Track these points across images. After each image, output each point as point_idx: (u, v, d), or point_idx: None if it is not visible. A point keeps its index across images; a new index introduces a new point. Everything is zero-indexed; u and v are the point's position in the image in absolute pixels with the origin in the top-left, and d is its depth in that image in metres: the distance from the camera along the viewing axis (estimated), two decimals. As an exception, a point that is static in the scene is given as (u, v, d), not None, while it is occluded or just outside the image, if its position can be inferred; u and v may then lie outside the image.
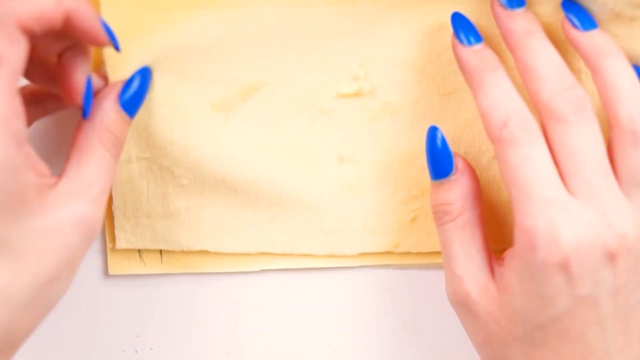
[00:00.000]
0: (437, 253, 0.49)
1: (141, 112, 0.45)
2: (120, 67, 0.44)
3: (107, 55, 0.43)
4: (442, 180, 0.44)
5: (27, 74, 0.42)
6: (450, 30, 0.45)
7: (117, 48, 0.42)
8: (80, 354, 0.49)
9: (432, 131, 0.45)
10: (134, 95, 0.43)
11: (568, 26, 0.43)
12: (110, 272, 0.48)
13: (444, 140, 0.44)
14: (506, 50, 0.44)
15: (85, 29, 0.38)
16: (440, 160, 0.44)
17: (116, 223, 0.47)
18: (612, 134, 0.42)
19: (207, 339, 0.49)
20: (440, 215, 0.44)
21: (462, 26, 0.44)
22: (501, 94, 0.41)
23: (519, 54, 0.42)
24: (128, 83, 0.43)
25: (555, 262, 0.39)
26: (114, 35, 0.41)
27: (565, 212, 0.39)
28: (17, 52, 0.35)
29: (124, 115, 0.42)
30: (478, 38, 0.43)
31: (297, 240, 0.48)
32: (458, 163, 0.44)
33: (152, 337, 0.49)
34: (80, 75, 0.40)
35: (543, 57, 0.42)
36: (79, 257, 0.38)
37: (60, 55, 0.40)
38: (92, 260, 0.49)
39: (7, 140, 0.34)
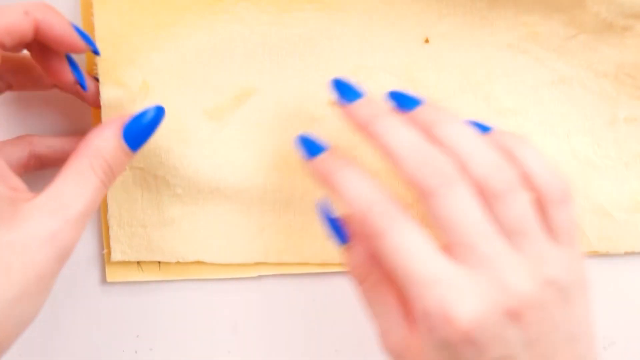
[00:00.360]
0: None
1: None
2: (112, 71, 0.44)
3: (98, 60, 0.44)
4: (342, 249, 0.44)
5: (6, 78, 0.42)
6: (440, 38, 0.45)
7: (95, 52, 0.41)
8: (80, 355, 0.49)
9: (320, 208, 0.44)
10: (141, 129, 0.41)
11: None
12: (108, 279, 0.48)
13: (328, 213, 0.44)
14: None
15: (59, 37, 0.38)
16: (334, 234, 0.44)
17: (112, 233, 0.47)
18: (476, 193, 0.41)
19: (207, 340, 0.49)
20: (354, 279, 0.44)
21: (306, 141, 0.43)
22: (359, 187, 0.40)
23: (374, 143, 0.42)
24: (138, 116, 0.41)
25: (457, 340, 0.38)
26: (90, 40, 0.41)
27: (453, 288, 0.38)
28: None
29: (124, 146, 0.40)
30: (322, 147, 0.42)
31: (291, 248, 0.48)
32: (355, 228, 0.44)
33: (152, 338, 0.49)
34: (58, 58, 0.39)
35: (398, 137, 0.41)
36: (48, 275, 0.37)
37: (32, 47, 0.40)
38: (92, 262, 0.48)
39: None
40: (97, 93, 0.44)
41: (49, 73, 0.40)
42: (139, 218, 0.47)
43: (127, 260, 0.47)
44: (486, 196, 0.40)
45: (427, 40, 0.46)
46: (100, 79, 0.44)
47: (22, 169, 0.44)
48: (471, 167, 0.40)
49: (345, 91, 0.42)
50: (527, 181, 0.40)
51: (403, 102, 0.42)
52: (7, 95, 0.45)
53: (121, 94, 0.45)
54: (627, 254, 0.49)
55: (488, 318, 0.38)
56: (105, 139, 0.40)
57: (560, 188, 0.41)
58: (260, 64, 0.46)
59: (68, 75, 0.40)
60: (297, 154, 0.47)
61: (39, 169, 0.45)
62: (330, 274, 0.49)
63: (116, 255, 0.47)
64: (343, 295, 0.49)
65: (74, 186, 0.38)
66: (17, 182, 0.37)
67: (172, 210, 0.47)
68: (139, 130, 0.41)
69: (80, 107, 0.46)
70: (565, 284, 0.40)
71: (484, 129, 0.41)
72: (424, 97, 0.42)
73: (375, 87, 0.46)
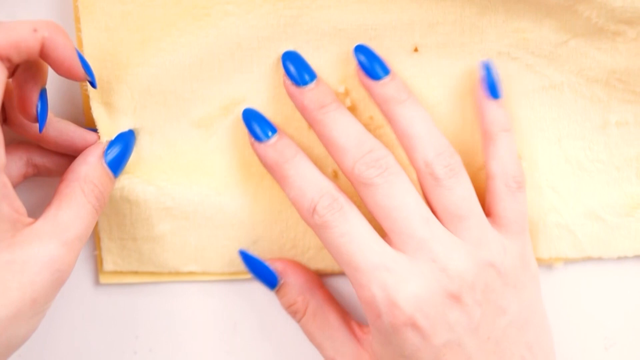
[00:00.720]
0: None
1: (115, 130, 0.45)
2: (100, 87, 0.44)
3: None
4: (275, 289, 0.46)
5: None
6: (429, 47, 0.45)
7: (93, 84, 0.42)
8: (79, 356, 0.49)
9: (244, 256, 0.46)
10: (119, 154, 0.43)
11: (361, 74, 0.44)
12: (102, 281, 0.48)
13: (255, 261, 0.46)
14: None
15: (61, 59, 0.38)
16: (263, 278, 0.46)
17: (102, 245, 0.47)
18: (418, 179, 0.43)
19: (207, 340, 0.49)
20: (292, 315, 0.46)
21: (255, 121, 0.45)
22: (303, 182, 0.42)
23: (317, 129, 0.43)
24: (112, 143, 0.43)
25: (402, 323, 0.40)
26: (90, 70, 0.41)
27: (395, 273, 0.40)
28: None
29: (108, 172, 0.42)
30: (272, 130, 0.44)
31: (283, 258, 0.48)
32: (277, 267, 0.46)
33: (151, 338, 0.49)
34: (33, 88, 0.39)
35: (339, 128, 0.43)
36: (44, 298, 0.37)
37: (14, 71, 0.39)
38: (90, 261, 0.48)
39: None
40: (52, 140, 0.43)
41: (19, 99, 0.40)
42: (129, 232, 0.47)
43: (119, 270, 0.47)
44: (429, 181, 0.42)
45: (416, 49, 0.45)
46: (90, 95, 0.44)
47: (21, 178, 0.44)
48: (415, 152, 0.42)
49: (295, 73, 0.43)
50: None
51: (367, 69, 0.43)
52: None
53: (110, 109, 0.45)
54: (620, 258, 0.49)
55: (429, 300, 0.40)
56: (92, 165, 0.41)
57: (516, 175, 0.43)
58: (248, 74, 0.45)
59: (32, 109, 0.40)
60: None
61: (35, 176, 0.45)
62: (329, 275, 0.49)
63: (108, 266, 0.47)
64: (342, 295, 0.49)
65: (69, 211, 0.39)
66: (20, 204, 0.37)
67: (162, 224, 0.47)
68: (118, 155, 0.43)
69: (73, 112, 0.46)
70: (506, 269, 0.42)
71: (494, 93, 0.44)
72: (389, 67, 0.43)
73: (364, 95, 0.46)
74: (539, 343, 0.43)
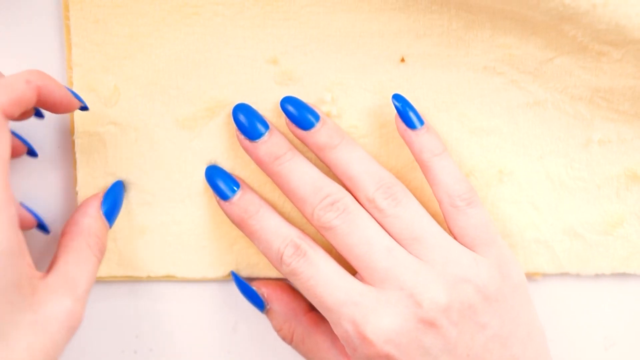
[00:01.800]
0: None
1: (109, 127, 0.45)
2: (85, 76, 0.45)
3: (73, 65, 0.44)
4: (264, 312, 0.47)
5: None
6: (415, 57, 0.45)
7: (86, 108, 0.44)
8: (79, 355, 0.49)
9: (235, 277, 0.47)
10: (113, 206, 0.44)
11: (291, 126, 0.44)
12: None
13: (244, 284, 0.46)
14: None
15: (59, 101, 0.40)
16: (252, 301, 0.47)
17: None
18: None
19: (207, 340, 0.49)
20: (282, 339, 0.47)
21: (219, 178, 0.46)
22: (268, 234, 0.44)
23: (275, 180, 0.44)
24: (108, 193, 0.45)
25: (376, 355, 0.41)
26: (80, 97, 0.43)
27: (362, 307, 0.41)
28: (3, 140, 0.36)
29: (106, 223, 0.44)
30: (236, 185, 0.45)
31: (262, 262, 0.48)
32: (264, 293, 0.47)
33: (152, 338, 0.49)
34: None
35: (295, 178, 0.43)
36: (60, 353, 0.38)
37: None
38: None
39: (6, 225, 0.35)
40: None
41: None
42: (110, 232, 0.46)
43: (98, 275, 0.47)
44: (377, 214, 0.43)
45: (402, 60, 0.45)
46: (75, 84, 0.44)
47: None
48: (358, 191, 0.43)
49: (248, 127, 0.44)
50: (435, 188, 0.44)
51: (299, 122, 0.44)
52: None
53: (93, 98, 0.45)
54: (597, 275, 0.49)
55: (400, 329, 0.40)
56: (93, 217, 0.43)
57: (462, 194, 0.43)
58: (234, 76, 0.45)
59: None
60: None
61: None
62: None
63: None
64: None
65: (77, 266, 0.40)
66: (30, 258, 0.38)
67: (142, 220, 0.47)
68: (113, 206, 0.44)
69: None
70: (483, 281, 0.42)
71: (412, 125, 0.44)
72: (319, 111, 0.44)
73: (350, 103, 0.46)
74: (527, 356, 0.43)
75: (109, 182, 0.46)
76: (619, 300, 0.49)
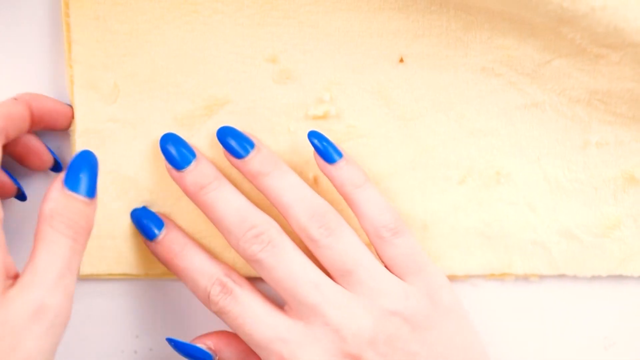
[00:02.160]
0: None
1: (108, 124, 0.45)
2: (86, 74, 0.44)
3: (73, 62, 0.44)
4: None
5: None
6: (414, 57, 0.45)
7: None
8: (79, 355, 0.48)
9: (172, 343, 0.45)
10: (81, 176, 0.40)
11: (228, 155, 0.44)
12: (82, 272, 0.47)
13: (185, 345, 0.45)
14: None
15: (52, 109, 0.41)
16: (198, 357, 0.45)
17: None
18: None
19: None
20: None
21: (144, 218, 0.45)
22: (194, 273, 0.43)
23: (202, 210, 0.44)
24: (70, 167, 0.40)
25: None
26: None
27: (289, 343, 0.41)
28: None
29: (77, 197, 0.39)
30: (159, 226, 0.45)
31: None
32: (210, 345, 0.45)
33: (152, 338, 0.49)
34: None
35: (220, 209, 0.43)
36: (47, 347, 0.36)
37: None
38: None
39: None
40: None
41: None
42: (108, 229, 0.46)
43: (96, 273, 0.47)
44: (310, 243, 0.42)
45: (401, 60, 0.45)
46: (75, 81, 0.44)
47: None
48: (290, 219, 0.43)
49: (173, 159, 0.44)
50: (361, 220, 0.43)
51: (233, 151, 0.44)
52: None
53: (93, 95, 0.45)
54: (593, 277, 0.48)
55: None
56: (54, 199, 0.39)
57: (386, 224, 0.43)
58: (233, 74, 0.45)
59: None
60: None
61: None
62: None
63: (85, 269, 0.46)
64: None
65: (44, 254, 0.37)
66: (10, 259, 0.37)
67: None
68: (81, 176, 0.39)
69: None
70: (412, 312, 0.42)
71: (330, 160, 0.44)
72: (254, 139, 0.44)
73: (349, 103, 0.46)
74: None
75: (107, 181, 0.46)
76: (619, 300, 0.49)
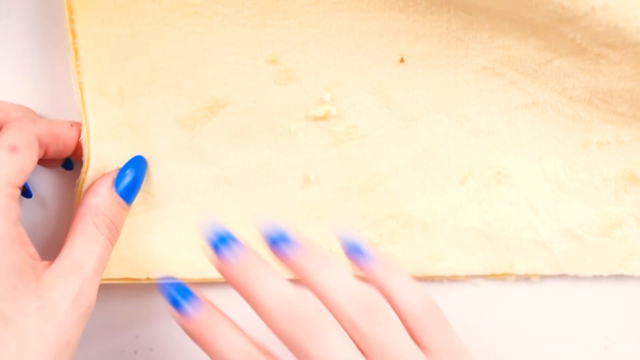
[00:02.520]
0: None
1: (118, 126, 0.45)
2: (95, 79, 0.44)
3: (82, 68, 0.44)
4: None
5: None
6: (414, 57, 0.45)
7: None
8: (79, 355, 0.48)
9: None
10: (130, 183, 0.43)
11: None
12: None
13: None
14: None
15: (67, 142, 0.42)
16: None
17: None
18: None
19: None
20: None
21: (178, 293, 0.41)
22: (228, 353, 0.40)
23: (243, 296, 0.40)
24: (122, 171, 0.44)
25: None
26: None
27: None
28: (29, 154, 0.39)
29: (120, 201, 0.43)
30: (193, 300, 0.41)
31: None
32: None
33: (152, 338, 0.49)
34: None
35: (263, 294, 0.39)
36: (75, 337, 0.38)
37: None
38: None
39: (3, 216, 0.36)
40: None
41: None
42: None
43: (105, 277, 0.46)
44: (354, 333, 0.39)
45: (402, 60, 0.45)
46: (85, 88, 0.44)
47: None
48: (335, 310, 0.40)
49: (216, 247, 0.40)
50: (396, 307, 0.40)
51: (278, 249, 0.40)
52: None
53: (103, 101, 0.44)
54: (595, 277, 0.48)
55: None
56: (102, 196, 0.42)
57: (425, 308, 0.40)
58: (234, 75, 0.45)
59: None
60: (270, 166, 0.47)
61: None
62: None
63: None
64: None
65: (83, 247, 0.40)
66: (34, 250, 0.38)
67: (141, 220, 0.46)
68: (129, 183, 0.43)
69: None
70: None
71: (365, 258, 0.41)
72: (297, 238, 0.40)
73: (349, 103, 0.46)
74: None
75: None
76: (619, 300, 0.49)
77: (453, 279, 0.48)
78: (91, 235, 0.40)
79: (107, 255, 0.41)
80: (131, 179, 0.44)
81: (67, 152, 0.43)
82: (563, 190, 0.47)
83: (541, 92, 0.45)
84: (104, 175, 0.43)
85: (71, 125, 0.42)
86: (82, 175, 0.43)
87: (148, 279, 0.47)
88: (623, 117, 0.46)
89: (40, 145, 0.40)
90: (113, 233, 0.42)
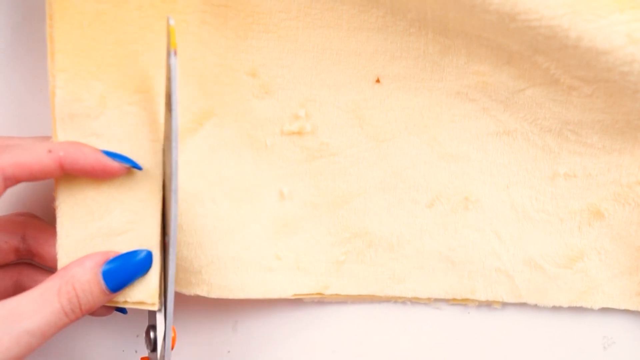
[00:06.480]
0: (365, 296, 0.47)
1: (90, 138, 0.41)
2: (70, 83, 0.41)
3: (57, 71, 0.41)
4: None
5: None
6: (390, 78, 0.44)
7: (137, 167, 0.40)
8: (80, 355, 0.48)
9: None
10: (117, 268, 0.39)
11: None
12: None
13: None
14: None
15: (88, 169, 0.38)
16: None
17: None
18: None
19: (207, 340, 0.48)
20: None
21: None
22: None
23: None
24: (119, 256, 0.39)
25: None
26: (127, 159, 0.40)
27: None
28: None
29: (101, 283, 0.38)
30: None
31: (233, 284, 0.45)
32: None
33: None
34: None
35: None
36: None
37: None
38: None
39: None
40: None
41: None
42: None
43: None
44: None
45: (378, 81, 0.45)
46: (57, 91, 0.40)
47: (12, 253, 0.42)
48: None
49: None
50: None
51: None
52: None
53: (77, 107, 0.41)
54: (554, 308, 0.48)
55: None
56: (83, 269, 0.38)
57: None
58: (218, 86, 0.44)
59: None
60: (248, 180, 0.45)
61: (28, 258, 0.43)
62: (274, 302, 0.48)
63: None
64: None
65: (33, 303, 0.36)
66: None
67: (130, 238, 0.43)
68: (120, 272, 0.39)
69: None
70: None
71: None
72: None
73: (323, 120, 0.45)
74: None
75: (89, 196, 0.41)
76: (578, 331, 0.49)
77: (415, 300, 0.47)
78: (47, 297, 0.37)
79: (55, 324, 0.37)
80: (121, 265, 0.39)
81: (43, 178, 0.39)
82: (528, 220, 0.47)
83: (513, 120, 0.45)
84: (103, 252, 0.40)
85: (49, 152, 0.37)
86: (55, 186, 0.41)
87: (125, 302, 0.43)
88: (592, 148, 0.45)
89: (5, 178, 0.36)
90: (73, 307, 0.37)
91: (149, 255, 0.40)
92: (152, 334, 0.41)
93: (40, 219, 0.43)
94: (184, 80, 0.43)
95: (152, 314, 0.41)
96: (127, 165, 0.39)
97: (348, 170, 0.46)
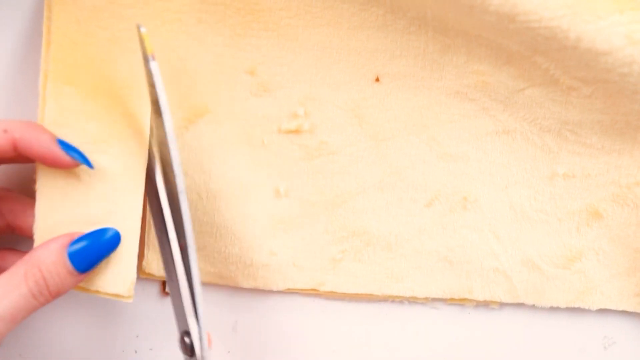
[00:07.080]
0: (363, 295, 0.47)
1: (86, 134, 0.41)
2: (63, 73, 0.41)
3: (52, 60, 0.41)
4: None
5: None
6: (390, 77, 0.44)
7: (89, 165, 0.39)
8: (80, 355, 0.47)
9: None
10: (84, 249, 0.38)
11: None
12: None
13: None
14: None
15: (41, 154, 0.37)
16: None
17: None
18: None
19: None
20: None
21: None
22: None
23: None
24: (85, 236, 0.39)
25: None
26: (81, 154, 0.39)
27: None
28: None
29: (67, 264, 0.38)
30: None
31: (223, 271, 0.46)
32: None
33: (152, 338, 0.47)
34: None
35: None
36: None
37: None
38: None
39: None
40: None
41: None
42: None
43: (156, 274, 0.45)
44: None
45: (377, 79, 0.44)
46: (50, 80, 0.40)
47: None
48: None
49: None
50: None
51: None
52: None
53: (68, 99, 0.41)
54: (552, 308, 0.48)
55: None
56: (48, 251, 0.37)
57: None
58: (214, 85, 0.44)
59: None
60: (244, 177, 0.45)
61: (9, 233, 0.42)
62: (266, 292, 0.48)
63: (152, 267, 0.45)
64: (281, 314, 0.49)
65: (0, 288, 0.36)
66: None
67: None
68: (86, 252, 0.38)
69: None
70: None
71: None
72: None
73: (322, 119, 0.45)
74: None
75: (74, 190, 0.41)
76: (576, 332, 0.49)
77: (413, 300, 0.47)
78: (14, 281, 0.36)
79: (23, 308, 0.36)
80: (86, 245, 0.38)
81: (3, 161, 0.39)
82: (527, 220, 0.46)
83: (512, 120, 0.45)
84: (68, 233, 0.39)
85: (5, 131, 0.37)
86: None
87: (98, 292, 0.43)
88: (591, 148, 0.45)
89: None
90: (40, 289, 0.37)
91: (116, 235, 0.39)
92: (187, 340, 0.40)
93: (13, 191, 0.43)
94: (174, 80, 0.43)
95: (182, 320, 0.40)
96: (77, 161, 0.39)
97: (347, 169, 0.45)
